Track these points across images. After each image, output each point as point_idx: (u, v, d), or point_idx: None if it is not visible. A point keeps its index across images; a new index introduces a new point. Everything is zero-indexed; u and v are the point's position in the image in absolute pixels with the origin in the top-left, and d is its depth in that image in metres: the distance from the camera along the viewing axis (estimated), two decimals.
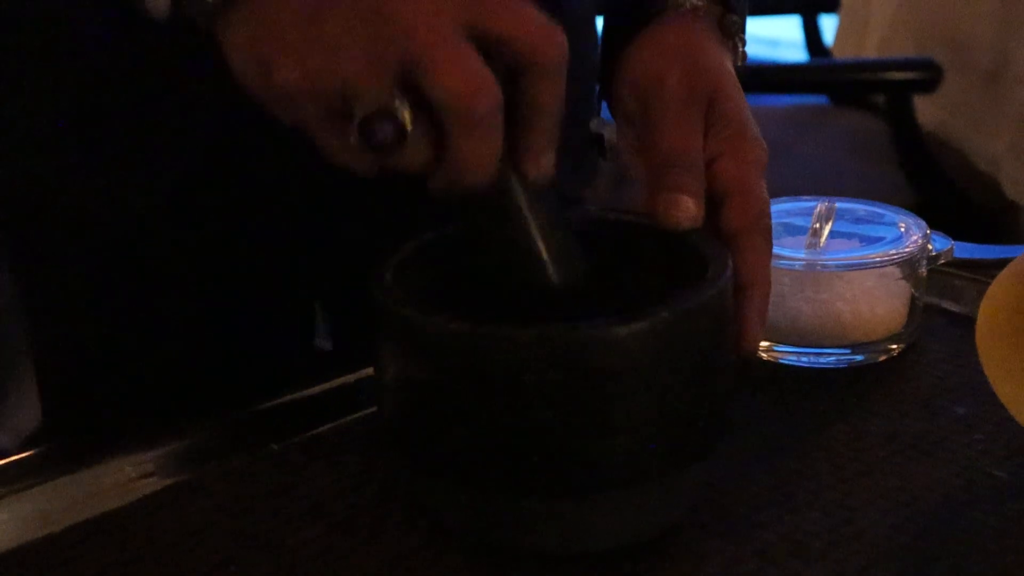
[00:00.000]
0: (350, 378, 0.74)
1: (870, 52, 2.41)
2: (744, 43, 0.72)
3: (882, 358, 0.75)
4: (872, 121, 2.19)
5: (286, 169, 0.81)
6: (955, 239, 0.80)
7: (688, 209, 0.60)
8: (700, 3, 0.70)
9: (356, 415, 0.70)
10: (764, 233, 0.62)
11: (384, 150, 0.52)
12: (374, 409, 0.68)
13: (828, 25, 2.62)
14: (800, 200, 0.79)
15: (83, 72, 0.76)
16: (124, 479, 0.64)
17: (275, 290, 0.86)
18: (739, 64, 0.72)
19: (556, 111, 0.55)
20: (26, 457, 0.67)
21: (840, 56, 2.52)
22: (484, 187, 0.54)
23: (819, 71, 2.17)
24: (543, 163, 0.56)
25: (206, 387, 0.81)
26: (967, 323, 0.73)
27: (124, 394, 0.83)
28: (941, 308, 0.81)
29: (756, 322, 0.60)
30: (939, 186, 1.98)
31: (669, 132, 0.64)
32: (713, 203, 0.62)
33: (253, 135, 0.79)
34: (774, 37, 3.82)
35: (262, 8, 0.54)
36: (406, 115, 0.52)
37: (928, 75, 1.92)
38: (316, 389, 0.73)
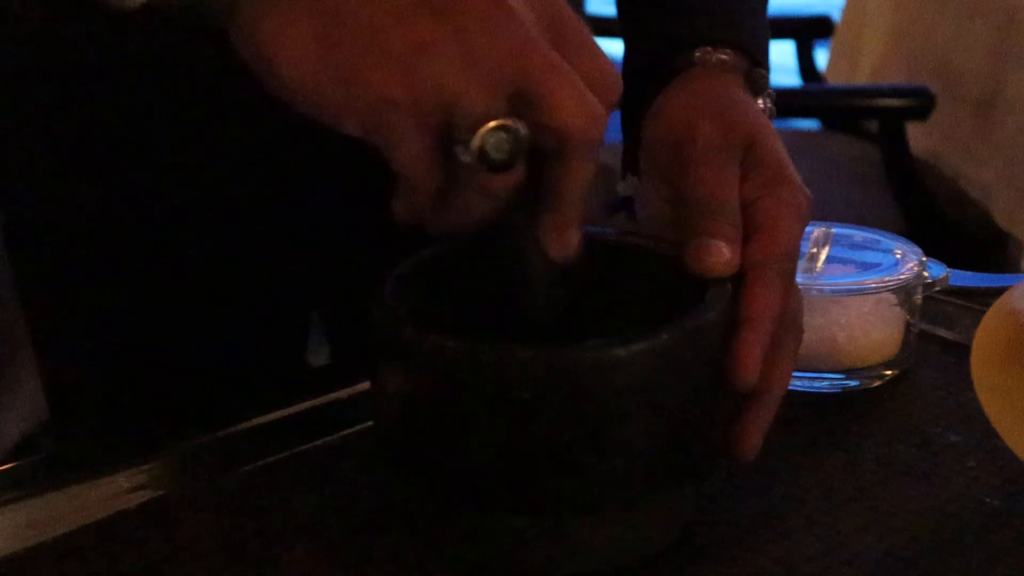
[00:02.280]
0: (343, 393, 0.74)
1: (862, 79, 2.42)
2: (773, 100, 0.70)
3: (876, 384, 0.75)
4: (864, 147, 2.19)
5: (284, 180, 0.81)
6: (947, 266, 0.81)
7: (722, 255, 0.58)
8: (727, 57, 0.68)
9: (349, 431, 0.69)
10: (783, 274, 0.59)
11: (495, 170, 0.49)
12: (367, 425, 0.68)
13: (822, 51, 2.63)
14: None
15: (82, 86, 0.76)
16: (116, 491, 0.64)
17: (271, 302, 0.86)
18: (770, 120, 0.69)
19: (585, 189, 0.53)
20: (17, 467, 0.66)
21: (833, 82, 2.53)
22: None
23: (812, 96, 2.17)
24: (569, 240, 0.54)
25: (201, 399, 0.81)
26: (961, 350, 0.74)
27: (123, 403, 0.83)
28: (935, 335, 0.81)
29: (750, 356, 0.56)
30: (930, 213, 1.98)
31: (704, 179, 0.61)
32: (743, 240, 0.60)
33: (250, 147, 0.79)
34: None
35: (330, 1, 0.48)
36: (523, 132, 0.49)
37: (921, 103, 1.93)
38: (308, 404, 0.73)
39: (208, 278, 0.82)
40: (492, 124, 0.49)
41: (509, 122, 0.49)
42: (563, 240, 0.54)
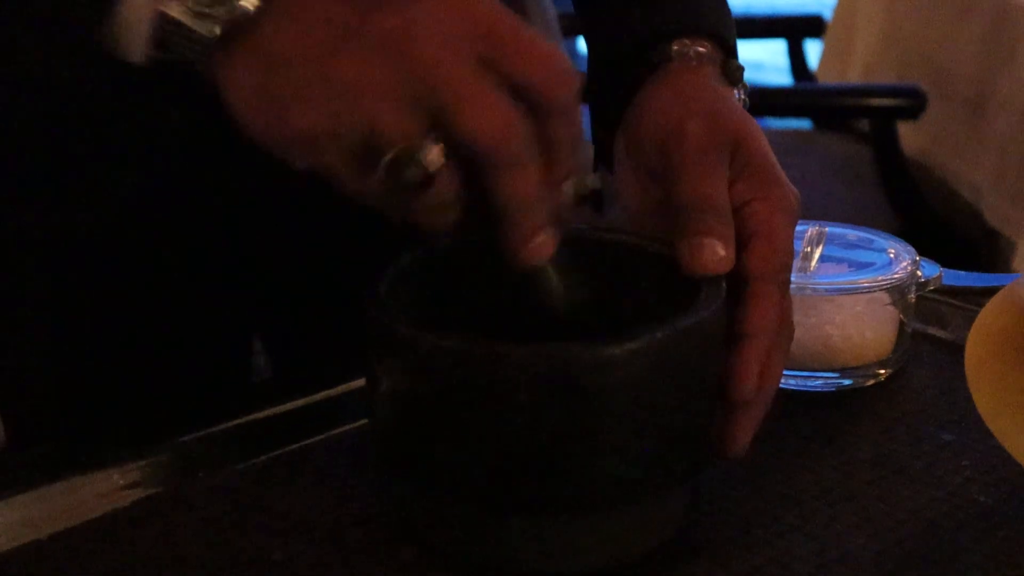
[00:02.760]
0: (337, 391, 0.73)
1: (854, 78, 2.43)
2: (747, 90, 0.70)
3: (870, 383, 0.75)
4: (856, 146, 2.20)
5: (235, 196, 0.81)
6: (940, 265, 0.81)
7: (716, 253, 0.58)
8: (704, 49, 0.67)
9: (343, 428, 0.69)
10: (781, 286, 0.60)
11: (414, 189, 0.51)
12: (361, 423, 0.68)
13: (813, 50, 2.64)
14: None
15: (37, 93, 0.76)
16: (110, 488, 0.64)
17: (213, 320, 0.86)
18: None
19: (572, 144, 0.54)
20: (11, 463, 0.66)
21: (824, 81, 2.54)
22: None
23: (804, 95, 2.18)
24: (536, 249, 0.55)
25: (156, 410, 0.81)
26: (954, 350, 0.74)
27: (83, 414, 0.83)
28: (928, 334, 0.81)
29: (750, 371, 0.57)
30: (921, 212, 1.99)
31: (694, 178, 0.61)
32: (738, 246, 0.60)
33: (203, 164, 0.79)
34: (759, 61, 3.84)
35: (269, 45, 0.51)
36: (434, 153, 0.51)
37: (913, 102, 1.94)
38: (302, 402, 0.73)
39: (159, 293, 0.83)
40: (395, 152, 0.51)
41: (414, 144, 0.51)
42: (526, 251, 0.55)
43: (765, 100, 2.23)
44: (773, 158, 0.63)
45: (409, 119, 0.51)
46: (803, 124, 2.47)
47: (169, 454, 0.67)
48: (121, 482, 0.64)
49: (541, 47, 0.52)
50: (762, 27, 2.64)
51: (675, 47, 0.67)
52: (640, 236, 0.63)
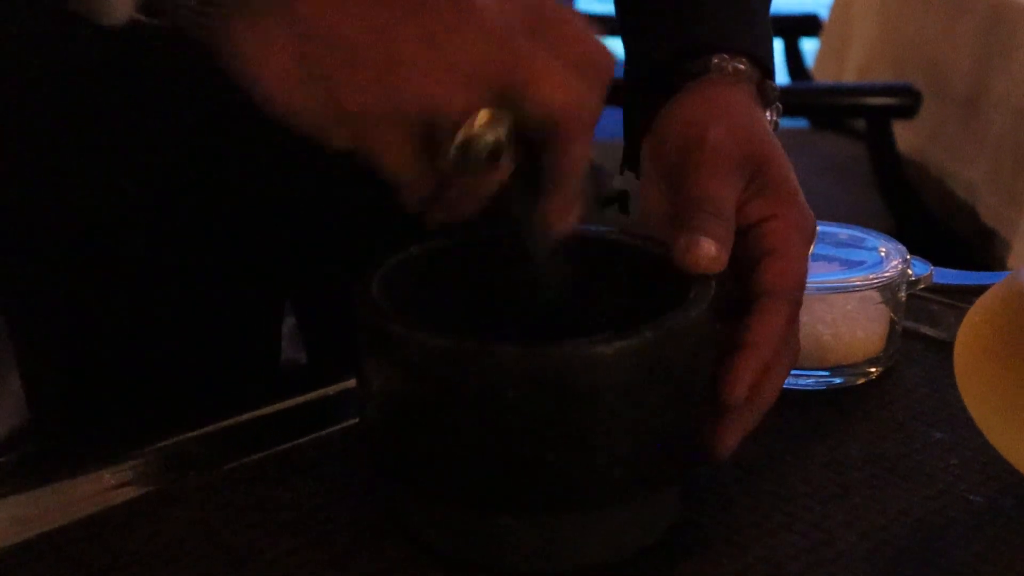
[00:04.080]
0: (330, 390, 0.74)
1: (850, 77, 2.43)
2: (780, 112, 0.70)
3: (860, 381, 0.75)
4: (851, 145, 2.20)
5: (261, 174, 0.81)
6: (932, 264, 0.81)
7: (708, 252, 0.58)
8: (743, 67, 0.67)
9: (335, 427, 0.69)
10: (792, 304, 0.60)
11: (482, 169, 0.51)
12: (353, 422, 0.68)
13: (810, 48, 2.64)
14: None
15: (55, 75, 0.76)
16: (101, 487, 0.64)
17: (245, 298, 0.86)
18: (775, 131, 0.69)
19: (581, 173, 0.54)
20: (2, 464, 0.66)
21: (820, 80, 2.53)
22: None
23: (800, 94, 2.18)
24: (568, 220, 0.55)
25: (183, 397, 0.80)
26: (945, 348, 0.74)
27: (104, 403, 0.83)
28: (919, 333, 0.81)
29: (743, 380, 0.57)
30: (917, 211, 1.99)
31: (703, 179, 0.61)
32: (751, 262, 0.61)
33: (229, 139, 0.79)
34: None
35: (310, 16, 0.48)
36: (504, 130, 0.50)
37: (908, 101, 1.94)
38: (295, 401, 0.73)
39: (184, 275, 0.82)
40: (466, 131, 0.50)
41: (486, 125, 0.50)
42: (563, 220, 0.55)
43: None
44: (795, 182, 0.64)
45: (478, 97, 0.49)
46: (799, 123, 2.47)
47: (159, 453, 0.67)
48: (112, 482, 0.64)
49: (581, 31, 0.52)
50: None
51: (715, 60, 0.67)
52: (632, 235, 0.63)
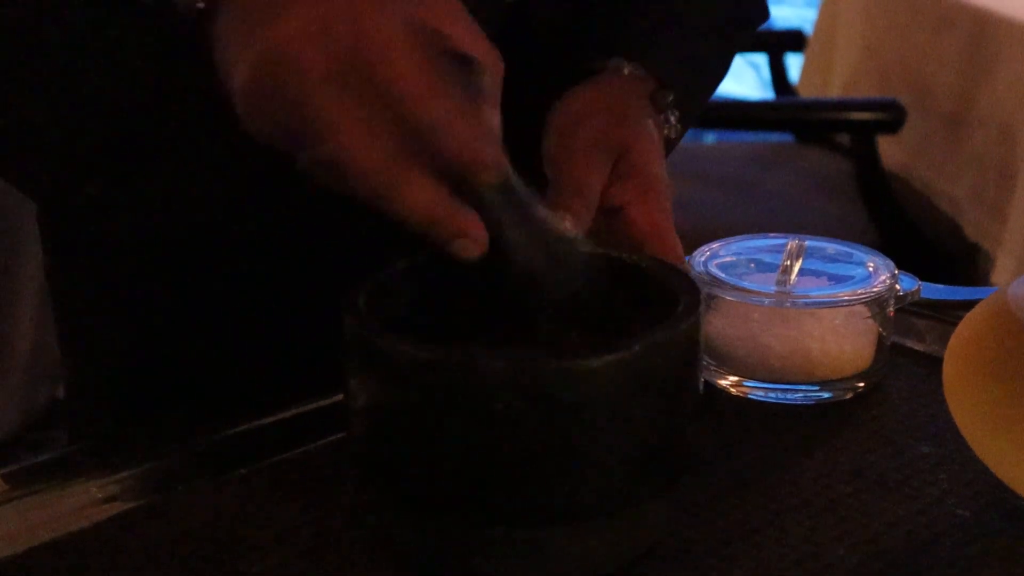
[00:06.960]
0: (319, 403, 0.73)
1: (834, 92, 2.44)
2: (678, 119, 0.78)
3: (849, 395, 0.75)
4: (836, 160, 2.21)
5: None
6: (918, 279, 0.81)
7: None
8: (636, 72, 0.76)
9: (324, 441, 0.69)
10: (678, 260, 0.70)
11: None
12: (341, 435, 0.68)
13: (794, 64, 2.65)
14: (771, 237, 0.80)
15: (123, 91, 0.76)
16: (88, 501, 0.64)
17: (302, 297, 0.86)
18: (672, 137, 0.77)
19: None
20: None
21: (805, 95, 2.55)
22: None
23: (785, 109, 2.19)
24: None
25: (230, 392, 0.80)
26: (932, 363, 0.74)
27: (143, 394, 0.83)
28: (907, 347, 0.81)
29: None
30: (901, 226, 2.00)
31: (572, 165, 0.70)
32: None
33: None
34: (740, 74, 3.85)
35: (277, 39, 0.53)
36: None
37: (892, 116, 1.95)
38: (284, 414, 0.73)
39: (242, 277, 0.82)
40: None
41: None
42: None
43: (746, 114, 2.24)
44: (658, 167, 0.72)
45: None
46: (784, 138, 2.48)
47: (147, 467, 0.67)
48: (99, 496, 0.64)
49: (467, 126, 0.55)
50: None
51: (611, 61, 0.76)
52: (618, 248, 0.63)
